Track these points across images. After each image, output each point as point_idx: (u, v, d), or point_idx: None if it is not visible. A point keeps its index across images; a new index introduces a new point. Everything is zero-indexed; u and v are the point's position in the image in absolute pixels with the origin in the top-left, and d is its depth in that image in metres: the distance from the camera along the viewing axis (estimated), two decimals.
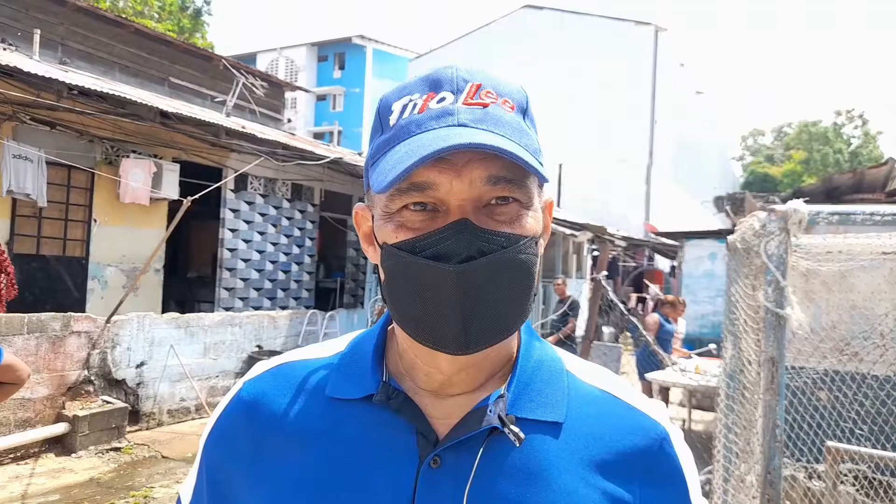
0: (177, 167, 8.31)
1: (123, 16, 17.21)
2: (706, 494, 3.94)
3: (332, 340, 0.85)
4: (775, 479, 2.13)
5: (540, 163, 0.68)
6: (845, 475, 3.07)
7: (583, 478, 0.69)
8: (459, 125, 0.64)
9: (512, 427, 0.68)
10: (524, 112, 0.70)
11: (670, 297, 8.35)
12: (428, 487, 0.67)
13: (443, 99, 0.66)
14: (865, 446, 3.26)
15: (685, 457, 0.76)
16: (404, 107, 0.68)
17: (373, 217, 0.72)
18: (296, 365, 0.80)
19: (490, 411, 0.69)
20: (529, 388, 0.73)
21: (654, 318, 7.83)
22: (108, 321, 6.58)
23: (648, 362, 7.32)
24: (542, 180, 0.69)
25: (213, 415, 0.82)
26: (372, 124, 0.74)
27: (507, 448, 0.69)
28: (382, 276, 0.71)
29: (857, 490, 3.07)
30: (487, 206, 0.66)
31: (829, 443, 3.05)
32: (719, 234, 13.81)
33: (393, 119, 0.68)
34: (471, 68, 0.69)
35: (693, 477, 0.76)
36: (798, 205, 2.57)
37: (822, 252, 3.10)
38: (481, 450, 0.69)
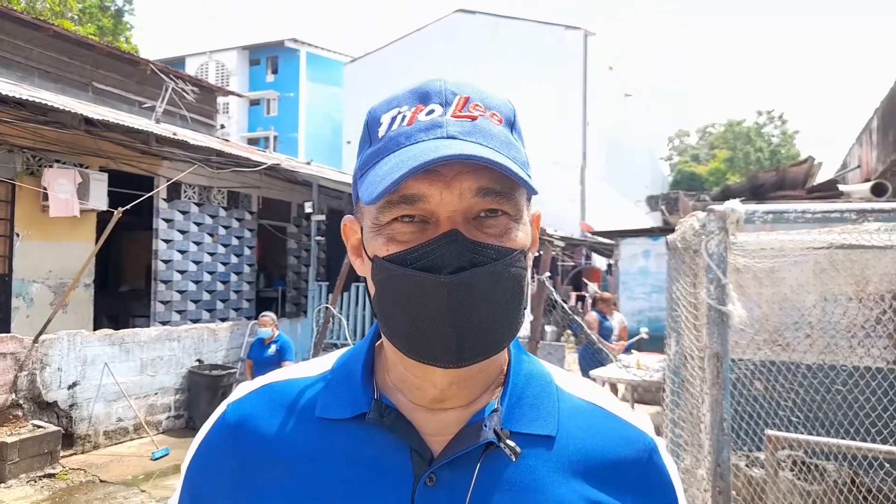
0: (105, 176, 7.97)
1: (42, 18, 16.39)
2: None
3: (318, 359, 0.83)
4: (725, 472, 2.21)
5: (528, 175, 0.68)
6: (784, 461, 3.22)
7: (577, 490, 0.70)
8: (448, 137, 0.64)
9: (508, 442, 0.68)
10: (511, 125, 0.71)
11: (605, 295, 8.64)
12: None
13: (431, 111, 0.67)
14: (801, 433, 3.43)
15: (672, 467, 0.78)
16: (393, 119, 0.68)
17: (362, 229, 0.71)
18: (281, 385, 0.79)
19: (485, 426, 0.69)
20: (522, 403, 0.74)
21: (593, 315, 8.04)
22: (35, 341, 6.25)
23: (591, 359, 7.51)
24: (531, 192, 0.70)
25: (196, 439, 0.80)
26: (361, 136, 0.73)
27: (502, 463, 0.69)
28: (372, 290, 0.70)
29: (796, 475, 3.23)
30: (477, 218, 0.66)
31: (769, 431, 3.19)
32: (652, 232, 14.28)
33: (382, 131, 0.68)
34: (459, 81, 0.70)
35: (679, 487, 0.78)
36: (735, 204, 2.68)
37: (755, 248, 3.24)
38: (478, 465, 0.69)
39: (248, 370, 6.50)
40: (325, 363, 0.81)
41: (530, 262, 0.73)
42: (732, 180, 30.88)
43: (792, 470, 3.32)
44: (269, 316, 6.46)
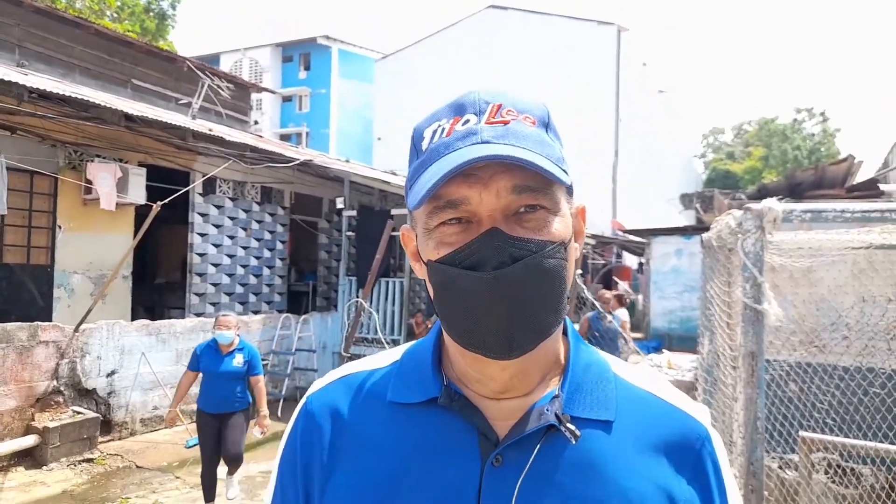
0: (143, 171, 8.15)
1: (82, 16, 16.79)
2: None
3: (386, 352, 0.90)
4: (758, 470, 2.19)
5: (564, 170, 0.73)
6: (818, 464, 3.17)
7: (636, 472, 0.74)
8: (483, 142, 0.70)
9: (568, 425, 0.73)
10: (546, 125, 0.76)
11: (604, 295, 8.38)
12: (493, 484, 0.72)
13: (467, 121, 0.72)
14: (836, 435, 3.37)
15: (724, 458, 0.81)
16: (434, 132, 0.74)
17: (416, 236, 0.78)
18: (355, 376, 0.86)
19: (546, 410, 0.74)
20: (581, 389, 0.78)
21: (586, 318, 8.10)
22: (76, 330, 6.44)
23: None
24: (564, 185, 0.74)
25: (285, 433, 0.87)
26: (409, 152, 0.79)
27: (562, 444, 0.74)
28: (431, 291, 0.76)
29: (830, 478, 3.18)
30: (516, 214, 0.71)
31: (803, 433, 3.15)
32: (685, 231, 14.08)
33: (425, 144, 0.74)
34: (492, 90, 0.75)
35: (731, 478, 0.80)
36: (773, 203, 2.65)
37: (792, 248, 3.19)
38: (538, 445, 0.73)
39: (185, 387, 5.05)
40: (393, 355, 0.87)
41: (575, 253, 0.77)
42: (768, 178, 30.29)
43: (826, 473, 3.26)
44: (232, 316, 5.12)
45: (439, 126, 0.74)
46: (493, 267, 0.68)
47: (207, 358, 4.96)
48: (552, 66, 24.89)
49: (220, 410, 4.88)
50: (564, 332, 0.83)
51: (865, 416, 3.58)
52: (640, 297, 18.05)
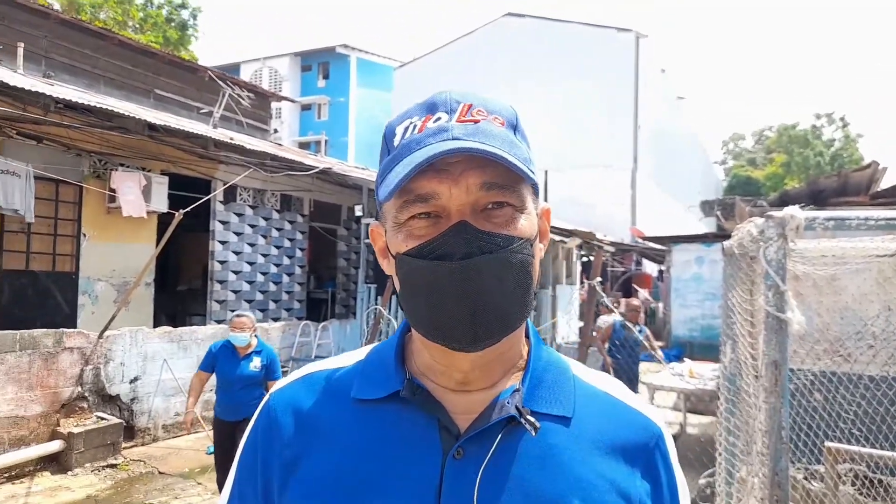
0: (166, 180, 8.27)
1: (107, 28, 17.10)
2: (709, 497, 3.98)
3: (352, 351, 0.91)
4: (783, 481, 2.17)
5: (531, 170, 0.75)
6: (845, 475, 3.12)
7: (591, 467, 0.76)
8: (453, 139, 0.71)
9: (528, 417, 0.75)
10: (514, 127, 0.77)
11: (633, 302, 7.97)
12: (454, 476, 0.73)
13: (438, 119, 0.74)
14: (863, 446, 3.32)
15: (675, 456, 0.85)
16: (406, 129, 0.75)
17: (385, 231, 0.79)
18: (318, 374, 0.86)
19: (507, 403, 0.76)
20: (541, 386, 0.80)
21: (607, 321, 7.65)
22: (100, 336, 6.53)
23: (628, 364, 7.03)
24: (532, 184, 0.76)
25: (246, 431, 0.87)
26: (380, 149, 0.80)
27: (522, 437, 0.76)
28: (397, 285, 0.77)
29: (857, 490, 3.12)
30: (484, 210, 0.73)
31: (829, 443, 3.10)
32: (706, 238, 13.96)
33: (396, 140, 0.76)
34: (463, 91, 0.77)
35: (681, 475, 0.85)
36: (795, 211, 2.62)
37: (816, 256, 3.16)
38: (498, 437, 0.75)
39: (198, 387, 4.85)
40: (358, 354, 0.89)
41: (540, 253, 0.80)
42: (791, 185, 29.92)
43: (853, 484, 3.21)
44: (247, 316, 4.76)
45: (411, 123, 0.75)
46: (460, 257, 0.70)
47: (224, 361, 4.67)
48: (570, 73, 24.86)
49: (237, 417, 4.59)
50: (527, 334, 0.85)
51: (893, 427, 3.52)
52: (661, 305, 17.89)
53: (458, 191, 0.71)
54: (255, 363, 4.68)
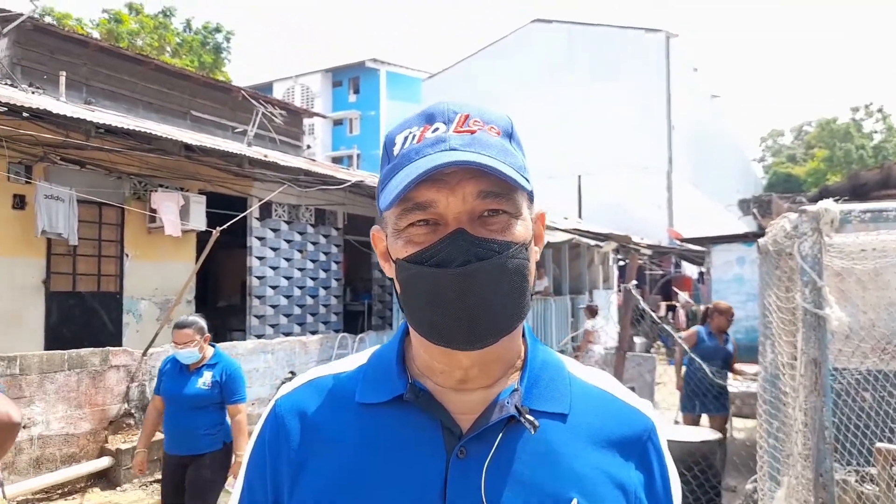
0: (203, 199, 8.46)
1: (143, 53, 17.65)
2: (755, 503, 3.87)
3: (354, 355, 0.93)
4: (828, 482, 2.10)
5: (526, 178, 0.78)
6: None
7: (588, 461, 0.79)
8: (450, 149, 0.74)
9: (527, 416, 0.78)
10: (510, 136, 0.80)
11: (720, 305, 6.68)
12: (458, 476, 0.76)
13: (437, 129, 0.77)
14: None
15: (666, 448, 0.88)
16: (405, 138, 0.78)
17: (386, 236, 0.81)
18: (323, 379, 0.89)
19: (507, 403, 0.79)
20: (538, 384, 0.83)
21: (692, 330, 6.63)
22: (144, 354, 6.69)
23: (700, 380, 6.00)
24: (527, 192, 0.79)
25: (251, 439, 0.89)
26: (381, 157, 0.83)
27: (522, 435, 0.79)
28: (398, 288, 0.80)
29: None
30: (480, 217, 0.75)
31: (879, 444, 2.99)
32: (746, 238, 13.65)
33: (396, 150, 0.79)
34: (459, 102, 0.80)
35: (673, 466, 0.88)
36: (829, 204, 2.56)
37: (855, 250, 3.06)
38: (499, 436, 0.78)
39: (153, 417, 3.99)
40: (360, 358, 0.91)
41: (536, 256, 0.83)
42: (833, 181, 29.11)
43: None
44: (191, 326, 3.76)
45: (410, 133, 0.78)
46: (458, 264, 0.72)
47: (169, 378, 3.81)
48: (600, 76, 24.67)
49: (186, 451, 3.72)
50: (523, 335, 0.87)
51: None
52: (702, 307, 17.54)
53: (455, 199, 0.74)
54: (205, 379, 3.72)
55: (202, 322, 3.88)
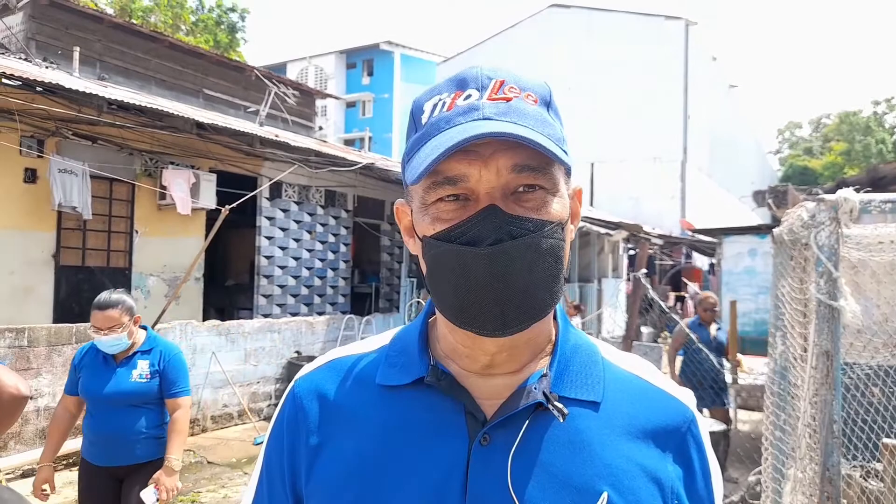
0: (213, 177, 8.46)
1: (158, 30, 17.62)
2: (756, 495, 3.84)
3: (375, 336, 0.89)
4: (834, 476, 2.06)
5: (564, 151, 0.72)
6: None
7: (622, 452, 0.74)
8: (484, 119, 0.68)
9: (556, 403, 0.73)
10: (548, 104, 0.74)
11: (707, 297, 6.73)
12: (480, 463, 0.72)
13: (469, 96, 0.71)
14: None
15: (707, 441, 0.82)
16: (434, 106, 0.73)
17: (412, 211, 0.76)
18: (343, 360, 0.85)
19: (535, 388, 0.74)
20: (569, 370, 0.78)
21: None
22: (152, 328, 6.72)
23: (697, 368, 6.05)
24: (565, 166, 0.73)
25: (272, 418, 0.86)
26: (407, 125, 0.78)
27: (550, 423, 0.74)
28: (424, 268, 0.75)
29: None
30: (515, 193, 0.70)
31: (886, 440, 2.95)
32: (759, 230, 13.52)
33: (425, 118, 0.73)
34: (494, 66, 0.74)
35: (715, 461, 0.82)
36: (848, 193, 2.50)
37: (873, 242, 3.00)
38: (526, 423, 0.73)
39: (61, 420, 3.12)
40: (382, 339, 0.87)
41: (571, 235, 0.77)
42: (850, 174, 28.77)
43: None
44: (117, 305, 2.94)
45: (440, 100, 0.72)
46: (489, 243, 0.67)
47: (90, 372, 3.00)
48: (617, 63, 24.39)
49: (115, 462, 3.00)
50: (555, 317, 0.82)
51: None
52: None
53: (488, 173, 0.68)
54: (140, 370, 3.00)
55: (130, 300, 3.03)
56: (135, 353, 3.05)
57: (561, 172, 0.73)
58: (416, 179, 0.69)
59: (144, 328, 3.18)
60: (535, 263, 0.69)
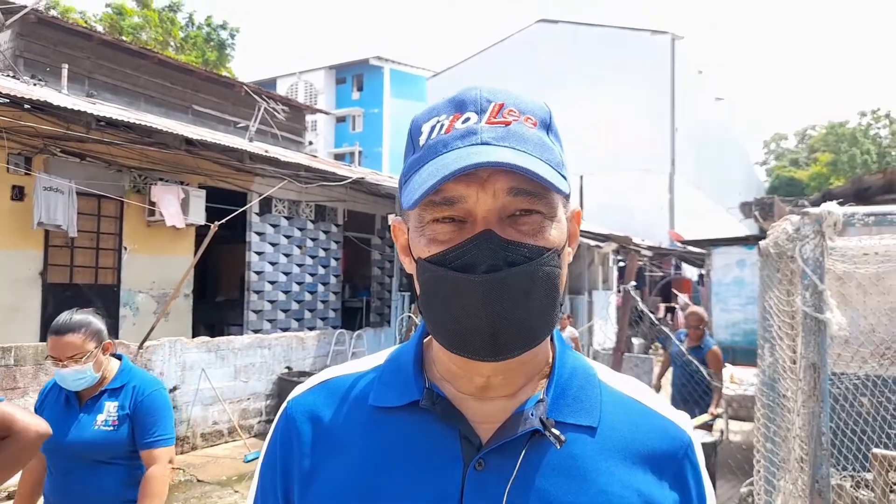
0: (203, 193, 8.44)
1: (147, 47, 17.61)
2: None
3: (370, 356, 0.88)
4: (824, 488, 2.07)
5: (563, 176, 0.71)
6: (895, 484, 2.98)
7: (618, 479, 0.73)
8: (482, 143, 0.68)
9: (553, 430, 0.73)
10: (547, 127, 0.74)
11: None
12: (475, 489, 0.71)
13: (467, 119, 0.70)
14: None
15: (703, 466, 0.82)
16: (432, 128, 0.72)
17: (408, 230, 0.76)
18: (337, 380, 0.84)
19: (531, 415, 0.74)
20: (566, 394, 0.77)
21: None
22: (140, 347, 6.67)
23: (689, 382, 5.92)
24: (562, 194, 0.72)
25: (266, 438, 0.86)
26: (405, 144, 0.77)
27: (547, 449, 0.73)
28: (418, 289, 0.74)
29: None
30: (512, 216, 0.69)
31: (876, 450, 2.96)
32: (747, 241, 13.60)
33: (423, 139, 0.73)
34: (493, 88, 0.73)
35: (710, 485, 0.82)
36: (832, 206, 2.53)
37: (858, 254, 3.03)
38: (524, 451, 0.73)
39: (35, 473, 2.37)
40: (377, 359, 0.86)
41: (568, 258, 0.76)
42: (836, 185, 29.05)
43: None
44: (80, 326, 2.27)
45: (438, 122, 0.72)
46: (484, 270, 0.67)
47: (49, 416, 2.19)
48: (605, 77, 24.61)
49: None
50: (552, 339, 0.81)
51: None
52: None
53: (486, 195, 0.68)
54: (108, 413, 2.30)
55: (97, 322, 2.34)
56: (102, 392, 2.33)
57: (559, 196, 0.73)
58: (412, 205, 0.68)
59: (118, 357, 2.43)
60: (530, 292, 0.68)
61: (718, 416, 5.95)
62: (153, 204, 7.86)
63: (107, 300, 7.88)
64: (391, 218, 0.83)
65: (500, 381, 0.75)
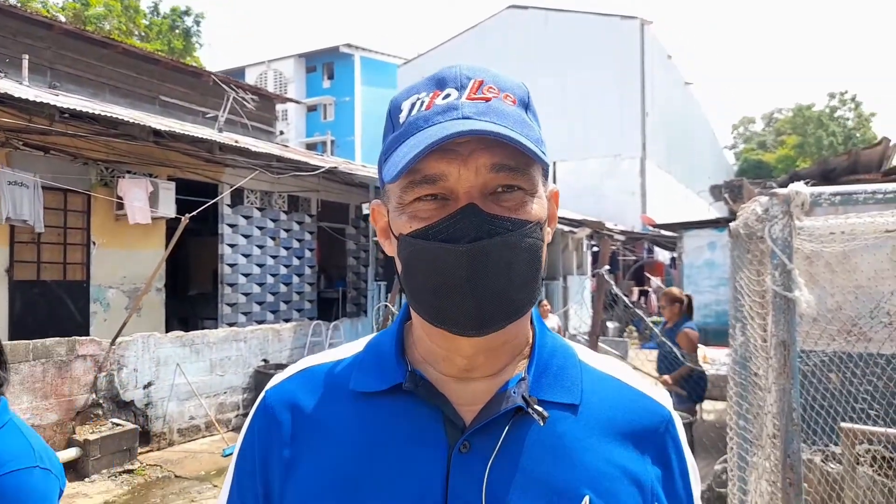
0: (172, 185, 8.30)
1: (110, 37, 17.19)
2: (724, 483, 3.93)
3: (349, 344, 0.87)
4: (795, 463, 2.12)
5: (542, 151, 0.72)
6: (862, 456, 3.07)
7: (601, 455, 0.74)
8: (463, 118, 0.68)
9: (536, 407, 0.72)
10: (526, 106, 0.74)
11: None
12: (461, 471, 0.70)
13: (448, 95, 0.70)
14: (879, 426, 3.25)
15: (685, 441, 0.83)
16: (412, 105, 0.72)
17: (388, 211, 0.75)
18: (316, 368, 0.83)
19: (514, 392, 0.74)
20: (547, 373, 0.77)
21: (694, 334, 6.16)
22: (112, 343, 6.57)
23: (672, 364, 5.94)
24: (543, 165, 0.73)
25: (242, 430, 0.84)
26: (384, 125, 0.77)
27: (530, 427, 0.73)
28: (399, 267, 0.74)
29: (875, 471, 3.06)
30: (494, 193, 0.69)
31: (844, 424, 3.05)
32: (717, 224, 13.82)
33: (402, 117, 0.72)
34: (473, 66, 0.73)
35: (692, 460, 0.83)
36: (800, 187, 2.58)
37: (825, 234, 3.09)
38: (506, 428, 0.72)
39: None
40: (356, 346, 0.85)
41: (548, 237, 0.76)
42: (802, 167, 29.59)
43: (871, 465, 3.15)
44: None
45: (418, 99, 0.71)
46: (468, 241, 0.67)
47: None
48: (575, 63, 24.70)
49: None
50: (531, 320, 0.82)
51: None
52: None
53: (467, 172, 0.68)
54: None
55: None
56: None
57: (539, 173, 0.73)
58: (394, 177, 0.67)
59: None
60: (513, 262, 0.68)
61: (664, 382, 5.77)
62: (121, 197, 7.71)
63: (76, 296, 7.74)
64: (371, 203, 0.82)
65: (482, 362, 0.75)
